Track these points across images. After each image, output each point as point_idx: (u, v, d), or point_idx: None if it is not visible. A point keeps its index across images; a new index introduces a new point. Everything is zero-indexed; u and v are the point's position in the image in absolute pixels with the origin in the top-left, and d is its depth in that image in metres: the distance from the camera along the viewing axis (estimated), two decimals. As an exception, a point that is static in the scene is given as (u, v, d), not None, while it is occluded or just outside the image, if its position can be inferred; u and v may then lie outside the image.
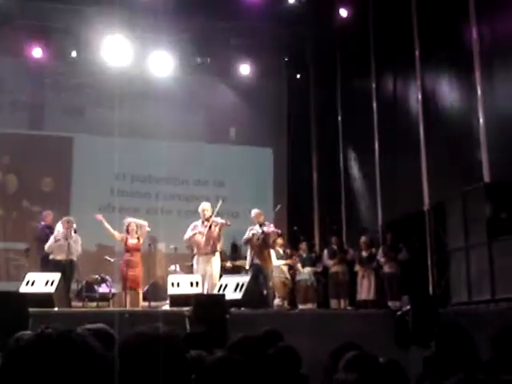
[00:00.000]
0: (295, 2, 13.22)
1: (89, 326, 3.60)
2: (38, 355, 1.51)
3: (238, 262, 12.29)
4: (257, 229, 10.69)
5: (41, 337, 1.56)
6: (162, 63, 14.35)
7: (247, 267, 10.97)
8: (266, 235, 10.82)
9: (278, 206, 12.15)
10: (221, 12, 13.45)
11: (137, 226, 10.99)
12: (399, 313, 9.81)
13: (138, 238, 10.91)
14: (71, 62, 14.10)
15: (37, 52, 13.84)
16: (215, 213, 10.69)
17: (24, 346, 1.56)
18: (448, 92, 11.48)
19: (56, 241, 10.67)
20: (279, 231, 11.59)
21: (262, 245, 10.79)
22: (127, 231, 10.92)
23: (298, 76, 15.43)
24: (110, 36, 13.52)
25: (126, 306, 10.43)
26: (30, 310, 8.15)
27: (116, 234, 11.00)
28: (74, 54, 13.80)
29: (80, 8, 13.17)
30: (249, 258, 10.92)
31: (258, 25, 13.89)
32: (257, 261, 10.70)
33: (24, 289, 9.37)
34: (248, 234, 10.74)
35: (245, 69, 14.84)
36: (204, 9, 13.28)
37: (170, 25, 13.49)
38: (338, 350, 4.02)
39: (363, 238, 12.40)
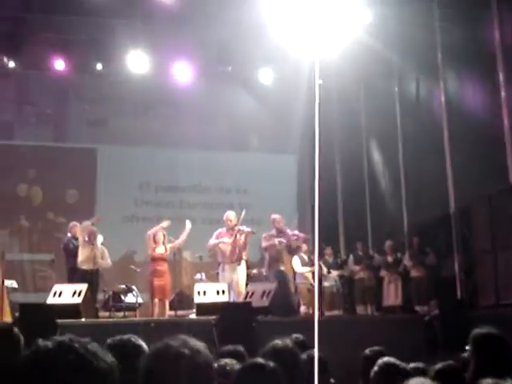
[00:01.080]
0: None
1: (118, 336, 3.61)
2: (36, 368, 1.50)
3: (264, 269, 12.26)
4: (277, 238, 10.64)
5: (38, 350, 1.55)
6: (184, 72, 14.40)
7: (265, 273, 10.95)
8: (290, 241, 10.78)
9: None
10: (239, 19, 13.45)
11: (164, 235, 10.97)
12: (427, 317, 9.73)
13: (165, 248, 10.90)
14: (94, 74, 14.20)
15: (59, 64, 13.92)
16: (239, 222, 10.68)
17: (21, 361, 1.55)
18: (471, 94, 11.38)
19: (84, 250, 10.71)
20: (306, 236, 11.56)
21: (286, 251, 10.75)
22: (154, 241, 10.90)
23: (321, 81, 15.29)
24: (131, 46, 13.59)
25: (153, 316, 10.43)
26: (58, 321, 8.21)
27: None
28: (98, 66, 13.85)
29: (102, 20, 13.24)
30: (266, 263, 10.91)
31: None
32: (279, 267, 10.66)
33: (51, 300, 9.42)
34: (270, 242, 10.69)
35: (266, 76, 14.80)
36: (223, 17, 13.30)
37: (191, 33, 13.55)
38: (367, 357, 3.98)
39: (388, 243, 12.32)
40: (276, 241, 10.60)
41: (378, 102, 14.30)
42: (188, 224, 11.06)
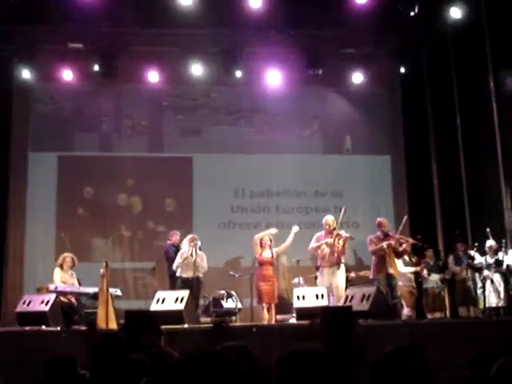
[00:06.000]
0: (404, 7, 13.01)
1: (229, 343, 3.67)
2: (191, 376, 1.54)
3: (362, 273, 12.19)
4: (386, 242, 10.55)
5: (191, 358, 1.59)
6: (275, 78, 14.46)
7: (371, 277, 10.85)
8: (397, 243, 10.67)
9: (405, 218, 11.81)
10: (330, 22, 13.45)
11: (271, 240, 11.06)
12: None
13: (272, 253, 10.98)
14: (187, 84, 14.46)
15: (153, 76, 14.25)
16: (339, 222, 10.67)
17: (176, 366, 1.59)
18: None
19: (183, 259, 10.94)
20: (415, 241, 11.45)
21: (390, 254, 10.65)
22: (261, 245, 11.02)
23: (412, 79, 15.06)
24: (222, 55, 13.79)
25: (262, 321, 10.55)
26: (162, 327, 8.38)
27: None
28: (190, 76, 14.09)
29: (191, 31, 13.48)
30: (373, 267, 10.82)
31: (367, 32, 13.78)
32: (390, 270, 10.56)
33: (155, 307, 9.65)
34: (378, 246, 10.63)
35: (357, 77, 14.70)
36: (313, 20, 13.33)
37: (280, 39, 13.63)
38: (476, 358, 3.86)
39: (489, 243, 12.04)
40: (384, 244, 10.52)
41: (473, 100, 13.95)
42: (295, 228, 11.17)
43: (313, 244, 10.76)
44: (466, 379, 3.67)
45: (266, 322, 10.42)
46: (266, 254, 10.93)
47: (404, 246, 10.78)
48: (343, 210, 10.92)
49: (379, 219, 10.93)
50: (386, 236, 10.60)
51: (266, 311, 10.70)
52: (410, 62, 14.73)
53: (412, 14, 12.73)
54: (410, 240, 10.89)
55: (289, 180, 14.67)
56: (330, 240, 10.53)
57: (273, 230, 11.18)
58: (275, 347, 7.72)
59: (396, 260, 10.89)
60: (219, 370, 1.56)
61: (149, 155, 14.82)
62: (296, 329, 9.01)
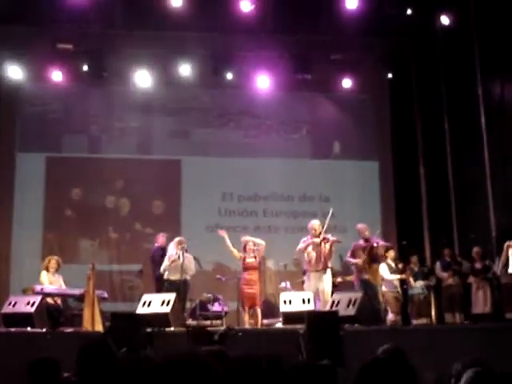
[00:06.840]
0: (393, 12, 13.06)
1: (207, 348, 3.69)
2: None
3: (349, 278, 12.20)
4: (354, 260, 10.64)
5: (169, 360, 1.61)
6: (264, 81, 14.49)
7: (355, 283, 10.90)
8: (374, 249, 10.73)
9: (377, 232, 11.88)
10: (320, 28, 13.49)
11: (254, 244, 11.10)
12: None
13: (255, 257, 11.02)
14: (176, 86, 14.43)
15: (142, 78, 14.20)
16: (326, 224, 10.71)
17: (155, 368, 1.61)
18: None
19: (171, 262, 10.91)
20: (389, 244, 11.50)
21: (371, 259, 10.69)
22: (244, 250, 11.07)
23: (401, 86, 15.15)
24: (211, 59, 13.81)
25: (244, 325, 10.56)
26: (148, 329, 8.39)
27: (235, 251, 11.15)
28: (178, 77, 14.10)
29: (182, 34, 13.50)
30: (355, 274, 10.88)
31: (356, 38, 13.83)
32: (365, 276, 10.61)
33: (141, 309, 9.63)
34: (351, 260, 10.75)
35: (346, 83, 14.75)
36: (303, 25, 13.37)
37: (269, 43, 13.66)
38: (461, 367, 3.88)
39: (476, 249, 12.07)
40: (353, 261, 10.64)
41: (461, 106, 14.02)
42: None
43: (300, 245, 10.81)
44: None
45: (247, 326, 10.43)
46: (250, 259, 10.98)
47: (382, 252, 10.87)
48: (331, 212, 10.95)
49: (357, 226, 11.01)
50: (366, 241, 10.70)
51: (247, 315, 10.74)
52: (398, 68, 14.82)
53: (404, 17, 12.79)
54: (381, 242, 10.93)
55: (277, 184, 14.67)
56: (316, 240, 10.57)
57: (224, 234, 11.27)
58: (261, 351, 7.70)
59: (381, 266, 10.96)
60: (197, 374, 1.59)
61: (137, 157, 14.78)
62: (281, 333, 9.01)
